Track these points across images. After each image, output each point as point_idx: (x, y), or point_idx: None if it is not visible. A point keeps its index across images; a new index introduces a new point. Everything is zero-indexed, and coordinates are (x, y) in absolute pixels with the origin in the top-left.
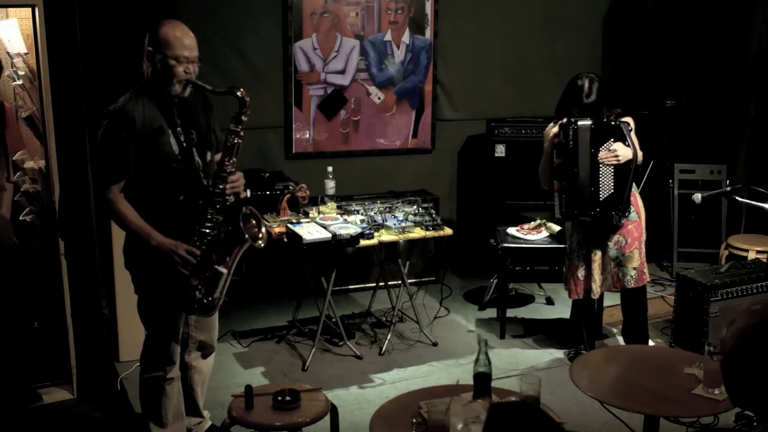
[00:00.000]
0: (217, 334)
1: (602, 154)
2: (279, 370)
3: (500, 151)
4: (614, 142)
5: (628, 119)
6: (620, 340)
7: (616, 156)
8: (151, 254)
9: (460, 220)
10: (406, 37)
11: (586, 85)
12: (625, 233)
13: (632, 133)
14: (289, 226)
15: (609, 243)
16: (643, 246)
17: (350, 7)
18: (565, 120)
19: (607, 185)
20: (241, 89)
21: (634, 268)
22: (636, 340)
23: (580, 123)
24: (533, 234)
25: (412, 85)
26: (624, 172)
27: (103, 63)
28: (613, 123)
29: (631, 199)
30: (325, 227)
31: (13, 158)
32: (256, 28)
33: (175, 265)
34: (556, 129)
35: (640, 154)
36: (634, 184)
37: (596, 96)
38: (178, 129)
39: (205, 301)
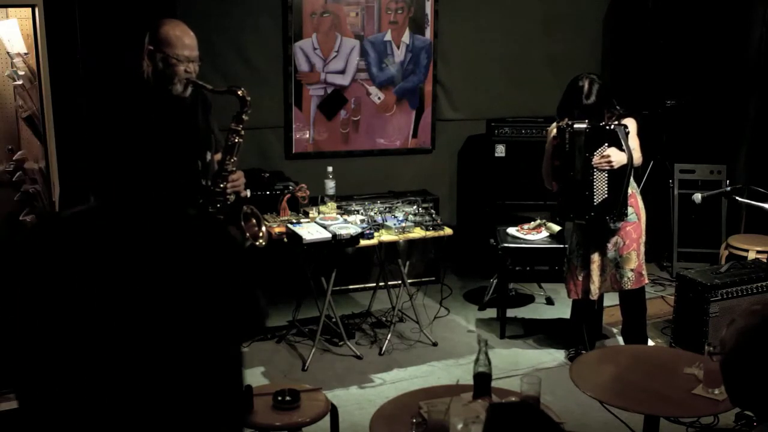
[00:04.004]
0: None
1: (595, 159)
2: (279, 370)
3: (500, 151)
4: (608, 146)
5: (630, 120)
6: (620, 340)
7: (609, 162)
8: None
9: (460, 220)
10: (406, 37)
11: (587, 86)
12: (623, 235)
13: (631, 136)
14: (289, 226)
15: (608, 244)
16: (641, 247)
17: (350, 7)
18: (563, 122)
19: (601, 190)
20: (242, 88)
21: (632, 270)
22: (635, 341)
23: (575, 126)
24: (533, 234)
25: (412, 85)
26: (618, 177)
27: (103, 63)
28: (608, 127)
29: (631, 200)
30: (325, 227)
31: (14, 158)
32: (256, 28)
33: None
34: (555, 130)
35: (638, 156)
36: (634, 184)
37: (596, 97)
38: None
39: None
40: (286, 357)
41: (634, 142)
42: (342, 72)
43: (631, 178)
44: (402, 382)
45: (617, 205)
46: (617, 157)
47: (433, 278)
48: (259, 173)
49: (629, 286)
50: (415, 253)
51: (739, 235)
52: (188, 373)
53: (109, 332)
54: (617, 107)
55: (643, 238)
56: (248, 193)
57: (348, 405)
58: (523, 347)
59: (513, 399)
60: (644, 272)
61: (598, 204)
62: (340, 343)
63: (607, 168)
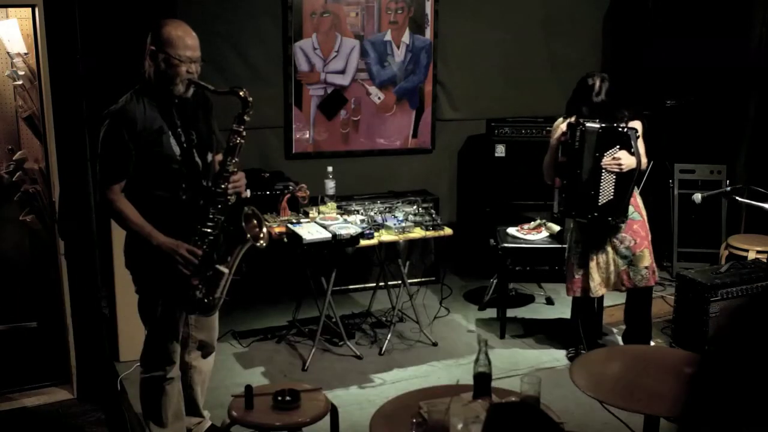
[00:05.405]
0: (217, 333)
1: (606, 160)
2: (279, 370)
3: (500, 151)
4: (620, 149)
5: (637, 123)
6: (620, 339)
7: (620, 164)
8: (152, 254)
9: (460, 220)
10: (406, 37)
11: (597, 84)
12: (632, 233)
13: (639, 140)
14: (289, 226)
15: (616, 242)
16: (650, 245)
17: (350, 7)
18: (574, 119)
19: (607, 191)
20: (244, 89)
21: (646, 268)
22: (639, 341)
23: (588, 125)
24: (533, 234)
25: (412, 85)
26: (626, 179)
27: (103, 63)
28: (620, 130)
29: (631, 200)
30: (325, 227)
31: (14, 158)
32: (256, 28)
33: (176, 265)
34: (564, 126)
35: (644, 160)
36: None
37: (605, 95)
38: (178, 130)
39: (206, 300)
40: (286, 357)
41: (640, 146)
42: (342, 72)
43: None
44: (402, 382)
45: (621, 207)
46: (627, 161)
47: (433, 278)
48: (259, 173)
49: (643, 284)
50: (415, 253)
51: (739, 235)
52: None
53: None
54: (625, 109)
55: (650, 235)
56: (248, 193)
57: (348, 405)
58: (523, 347)
59: (513, 399)
60: (656, 270)
61: (602, 205)
62: (340, 343)
63: (617, 170)
